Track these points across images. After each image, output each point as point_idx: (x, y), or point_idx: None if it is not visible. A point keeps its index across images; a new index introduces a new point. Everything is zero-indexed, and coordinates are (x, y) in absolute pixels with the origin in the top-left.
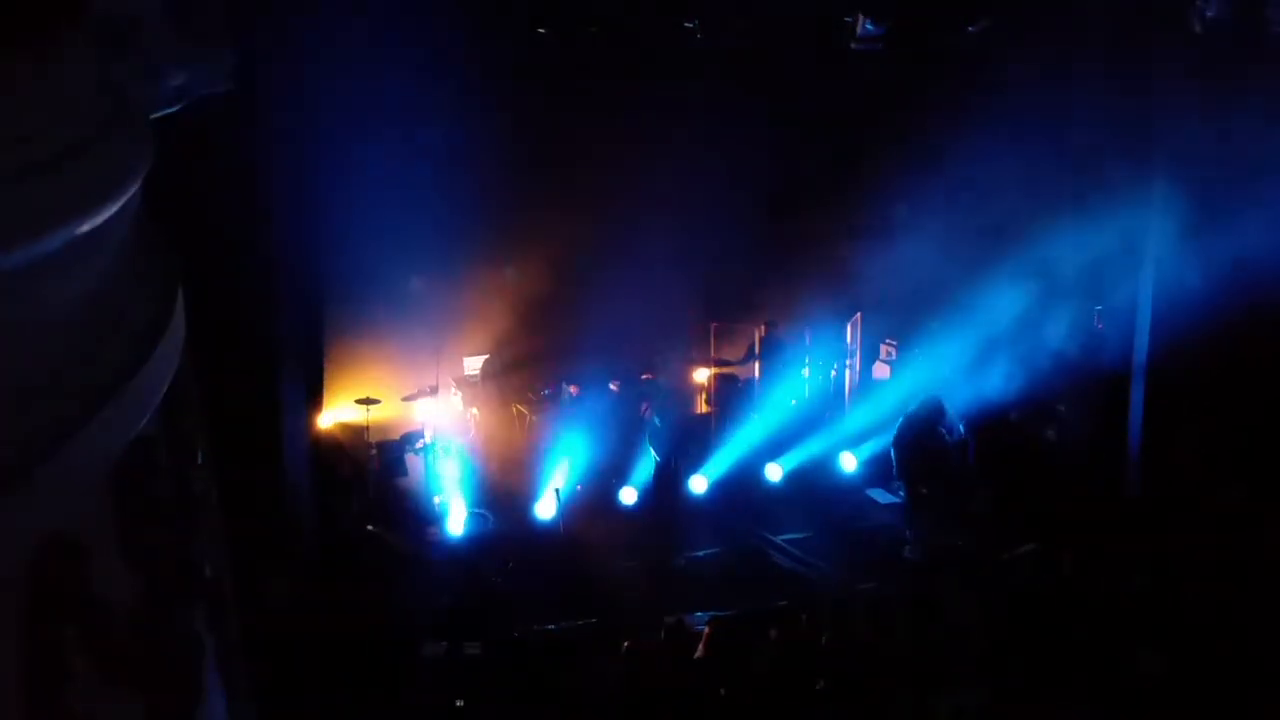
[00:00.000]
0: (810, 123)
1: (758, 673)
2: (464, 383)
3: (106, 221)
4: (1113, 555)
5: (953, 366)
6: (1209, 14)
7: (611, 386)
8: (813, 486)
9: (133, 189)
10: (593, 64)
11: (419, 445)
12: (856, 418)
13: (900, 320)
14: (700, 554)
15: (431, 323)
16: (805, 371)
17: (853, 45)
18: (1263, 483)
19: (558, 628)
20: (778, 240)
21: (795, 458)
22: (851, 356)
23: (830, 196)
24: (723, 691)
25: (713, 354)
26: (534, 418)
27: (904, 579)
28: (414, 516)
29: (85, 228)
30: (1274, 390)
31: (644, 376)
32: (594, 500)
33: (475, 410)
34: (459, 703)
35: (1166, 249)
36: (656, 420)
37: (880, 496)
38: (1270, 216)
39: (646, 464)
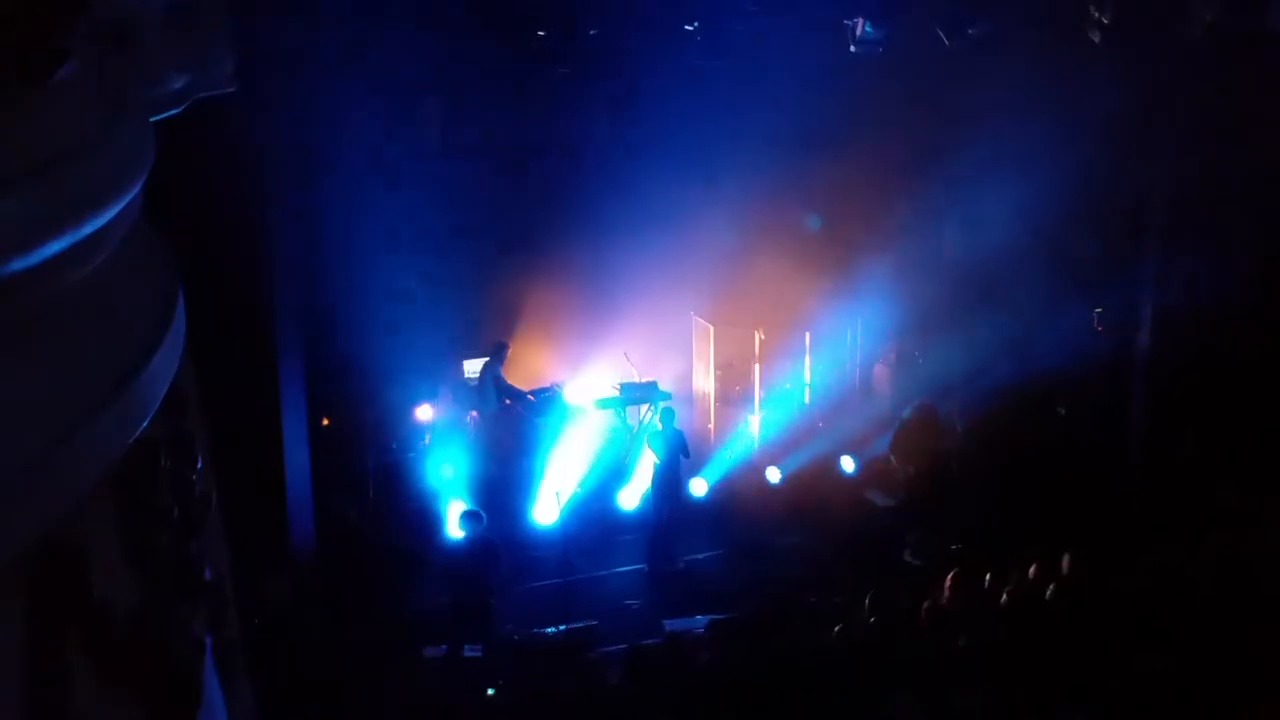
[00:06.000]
0: (810, 125)
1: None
2: (464, 385)
3: (108, 224)
4: (1113, 557)
5: (953, 369)
6: (1208, 17)
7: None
8: (813, 489)
9: (134, 191)
10: (592, 66)
11: (418, 448)
12: (856, 421)
13: (901, 323)
14: (700, 557)
15: (432, 324)
16: (805, 375)
17: (852, 48)
18: (1263, 482)
19: (558, 631)
20: (779, 244)
21: (795, 461)
22: (851, 360)
23: (830, 200)
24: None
25: (713, 357)
26: (533, 421)
27: (904, 583)
28: (414, 519)
29: (86, 230)
30: (1274, 390)
31: (644, 380)
32: (594, 503)
33: (475, 413)
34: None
35: (1166, 250)
36: (658, 423)
37: (880, 499)
38: (1271, 217)
39: (647, 467)
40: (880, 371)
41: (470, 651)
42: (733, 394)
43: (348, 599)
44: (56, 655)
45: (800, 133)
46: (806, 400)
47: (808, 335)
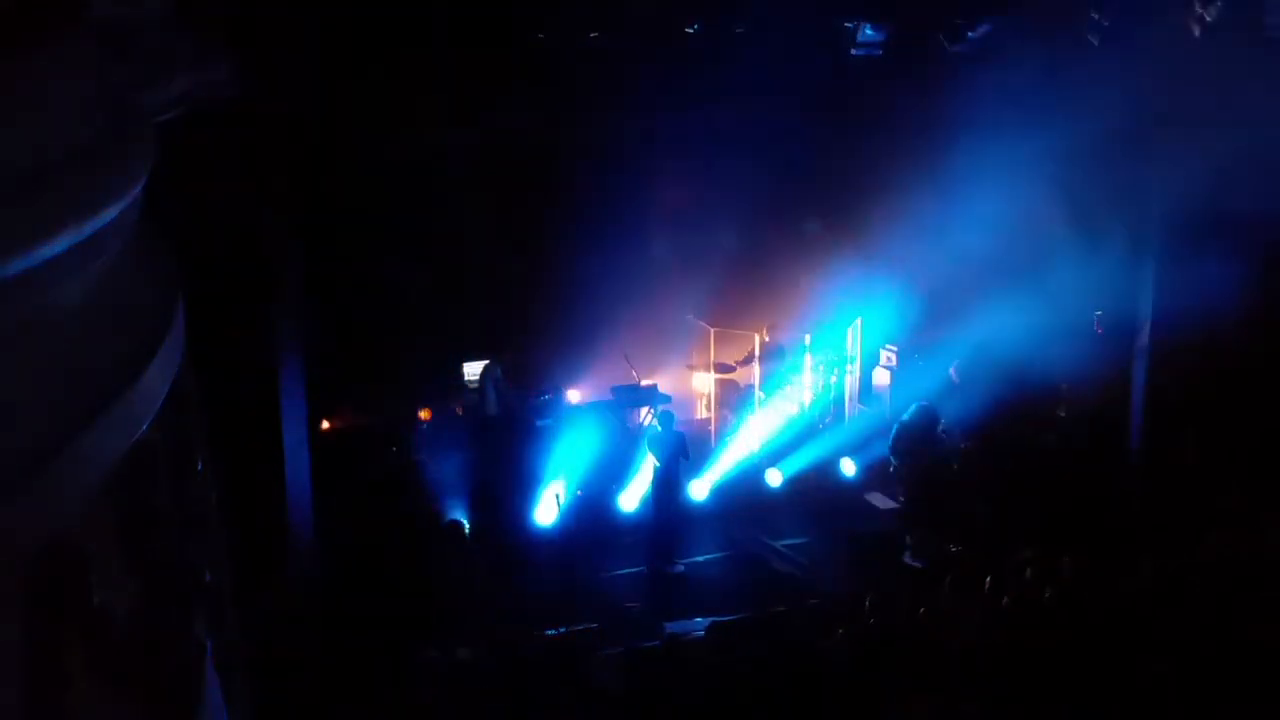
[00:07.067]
0: (811, 128)
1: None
2: (464, 388)
3: (108, 226)
4: (1114, 558)
5: (953, 371)
6: (1209, 19)
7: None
8: (813, 492)
9: (134, 193)
10: (592, 69)
11: (418, 450)
12: (856, 423)
13: (900, 326)
14: (700, 559)
15: (432, 327)
16: (806, 377)
17: (853, 51)
18: (1263, 483)
19: (557, 633)
20: (778, 246)
21: (795, 463)
22: (852, 362)
23: (831, 202)
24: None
25: (713, 359)
26: (534, 423)
27: (904, 585)
28: (412, 521)
29: (87, 233)
30: (1273, 391)
31: (644, 382)
32: (594, 505)
33: (474, 416)
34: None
35: (1166, 252)
36: (657, 426)
37: (880, 501)
38: (1270, 219)
39: (646, 469)
40: (880, 373)
41: (468, 654)
42: (733, 396)
43: (346, 601)
44: (56, 655)
45: (801, 135)
46: (806, 402)
47: (808, 337)
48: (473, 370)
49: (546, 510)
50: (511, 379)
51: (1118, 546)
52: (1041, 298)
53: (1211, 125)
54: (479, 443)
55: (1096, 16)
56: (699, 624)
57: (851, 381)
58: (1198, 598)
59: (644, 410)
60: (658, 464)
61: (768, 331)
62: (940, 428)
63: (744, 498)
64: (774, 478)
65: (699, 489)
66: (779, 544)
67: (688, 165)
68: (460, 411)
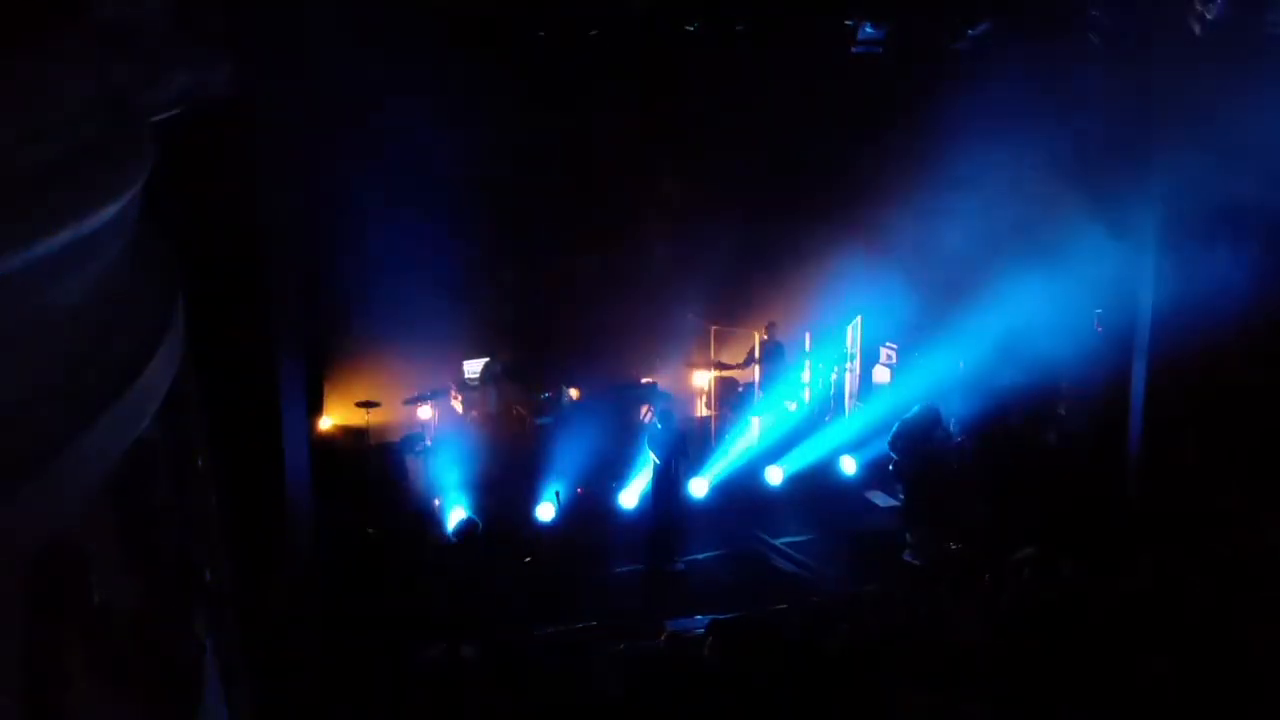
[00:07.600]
0: (812, 126)
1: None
2: (464, 386)
3: (108, 224)
4: (1114, 557)
5: (953, 370)
6: (1209, 16)
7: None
8: (813, 489)
9: (134, 191)
10: (592, 67)
11: (419, 448)
12: (856, 421)
13: (900, 324)
14: (700, 557)
15: (432, 325)
16: (805, 375)
17: (853, 49)
18: (1263, 484)
19: (557, 631)
20: (778, 244)
21: (796, 461)
22: (851, 360)
23: (831, 200)
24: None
25: (713, 357)
26: (534, 421)
27: (904, 583)
28: (413, 520)
29: (87, 229)
30: (1274, 391)
31: (644, 380)
32: (594, 503)
33: (475, 414)
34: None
35: (1167, 251)
36: (657, 423)
37: (880, 499)
38: (1271, 218)
39: (646, 467)
40: (880, 371)
41: (468, 652)
42: (733, 394)
43: (346, 600)
44: (56, 655)
45: (801, 133)
46: (807, 400)
47: (808, 335)
48: (473, 368)
49: (546, 508)
50: (512, 377)
51: (1118, 546)
52: (1041, 296)
53: (1212, 123)
54: (479, 440)
55: (1097, 14)
56: (699, 622)
57: (851, 379)
58: (1198, 598)
59: (644, 408)
60: (658, 461)
61: (767, 330)
62: (941, 426)
63: (744, 495)
64: (774, 475)
65: (699, 487)
66: (779, 542)
67: (687, 164)
68: (461, 409)
